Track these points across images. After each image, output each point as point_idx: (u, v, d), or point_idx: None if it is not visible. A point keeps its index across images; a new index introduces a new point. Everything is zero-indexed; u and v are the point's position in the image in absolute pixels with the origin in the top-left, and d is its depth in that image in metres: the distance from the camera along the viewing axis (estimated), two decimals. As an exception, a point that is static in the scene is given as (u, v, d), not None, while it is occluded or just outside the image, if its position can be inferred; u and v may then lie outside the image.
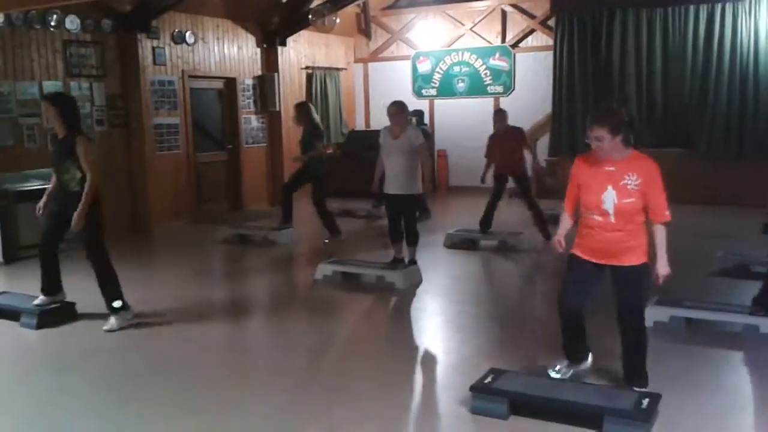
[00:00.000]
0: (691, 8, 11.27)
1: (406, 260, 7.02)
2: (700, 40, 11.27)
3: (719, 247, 7.35)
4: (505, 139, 8.40)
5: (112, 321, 5.55)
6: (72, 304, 5.87)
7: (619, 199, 3.79)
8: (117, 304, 5.60)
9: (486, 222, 8.50)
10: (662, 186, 3.81)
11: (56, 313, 5.72)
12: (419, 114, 13.14)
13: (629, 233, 3.83)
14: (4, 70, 8.26)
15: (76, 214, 5.35)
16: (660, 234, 3.86)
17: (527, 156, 8.85)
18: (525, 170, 8.55)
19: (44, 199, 5.78)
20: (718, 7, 11.07)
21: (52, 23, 8.70)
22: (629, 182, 3.78)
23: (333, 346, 5.26)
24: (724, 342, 5.01)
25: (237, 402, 4.16)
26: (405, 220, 6.93)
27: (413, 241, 7.00)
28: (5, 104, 8.27)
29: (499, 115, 8.67)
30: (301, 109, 9.22)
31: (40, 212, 5.80)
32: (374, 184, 7.17)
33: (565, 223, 4.20)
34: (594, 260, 3.95)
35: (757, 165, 10.69)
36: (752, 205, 9.73)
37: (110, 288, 5.61)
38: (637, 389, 3.88)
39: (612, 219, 3.82)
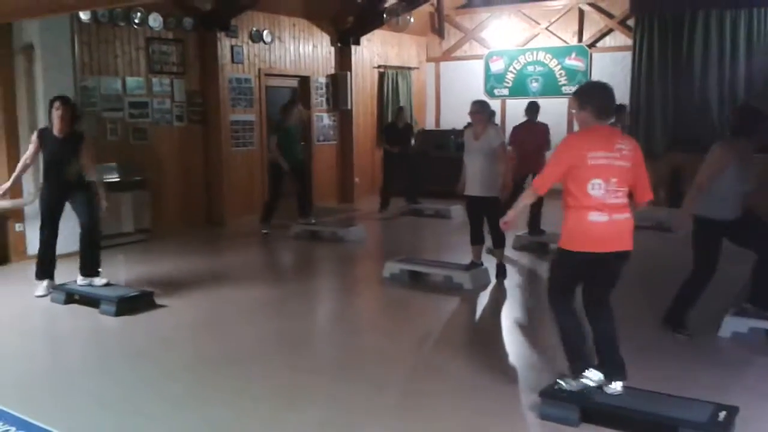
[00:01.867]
0: (778, 8, 10.83)
1: (496, 263, 6.89)
2: (787, 40, 10.82)
3: None
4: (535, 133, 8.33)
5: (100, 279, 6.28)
6: (150, 293, 6.07)
7: None
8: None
9: (533, 224, 8.35)
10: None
11: (134, 301, 5.92)
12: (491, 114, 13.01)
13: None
14: (89, 65, 8.59)
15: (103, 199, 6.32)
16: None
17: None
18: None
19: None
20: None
21: (136, 21, 9.01)
22: None
23: (399, 346, 5.27)
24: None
25: (301, 395, 4.21)
26: (489, 222, 6.72)
27: (501, 243, 6.83)
28: (90, 98, 8.60)
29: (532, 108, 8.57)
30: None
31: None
32: (460, 185, 6.93)
33: None
34: None
35: None
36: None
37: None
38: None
39: None
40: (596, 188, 3.67)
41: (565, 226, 3.80)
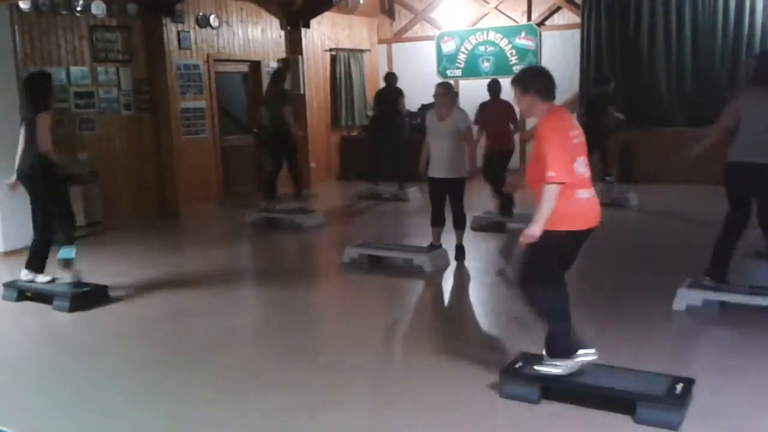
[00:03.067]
0: (723, -17, 11.04)
1: (456, 243, 6.93)
2: (731, 14, 11.06)
3: (750, 229, 7.22)
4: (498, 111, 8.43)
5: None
6: (104, 287, 5.95)
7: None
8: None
9: (508, 205, 8.41)
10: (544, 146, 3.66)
11: (89, 297, 5.79)
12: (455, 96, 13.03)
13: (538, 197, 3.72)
14: (31, 56, 8.32)
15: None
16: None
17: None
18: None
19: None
20: (750, -18, 10.83)
21: (78, 8, 8.74)
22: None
23: (357, 330, 5.27)
24: (758, 325, 4.93)
25: (262, 382, 4.19)
26: (453, 203, 6.80)
27: (462, 225, 6.92)
28: (34, 90, 8.32)
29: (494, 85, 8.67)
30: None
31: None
32: (420, 167, 7.02)
33: None
34: None
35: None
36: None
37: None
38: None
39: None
40: (581, 165, 3.72)
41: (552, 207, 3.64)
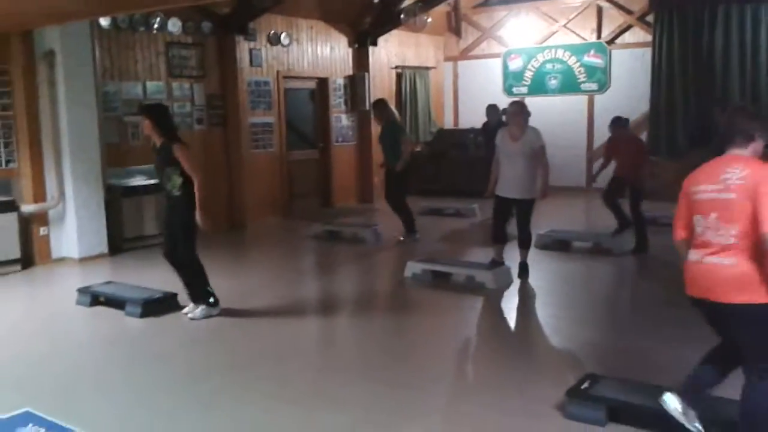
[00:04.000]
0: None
1: (519, 261, 6.85)
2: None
3: None
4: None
5: (198, 310, 5.75)
6: (174, 295, 6.10)
7: None
8: (211, 299, 5.79)
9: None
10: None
11: (160, 303, 5.96)
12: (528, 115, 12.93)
13: None
14: (110, 71, 8.67)
15: (200, 217, 5.56)
16: None
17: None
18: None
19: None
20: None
21: (155, 26, 9.07)
22: None
23: (421, 346, 5.26)
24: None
25: (328, 394, 4.22)
26: (521, 223, 6.71)
27: (528, 244, 6.85)
28: (111, 103, 8.67)
29: None
30: (381, 105, 9.07)
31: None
32: (490, 187, 6.86)
33: None
34: None
35: None
36: None
37: (201, 281, 5.79)
38: None
39: None
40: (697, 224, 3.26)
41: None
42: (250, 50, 10.35)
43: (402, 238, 8.86)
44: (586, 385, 3.90)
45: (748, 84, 11.23)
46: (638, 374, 4.25)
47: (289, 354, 5.03)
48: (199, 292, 5.80)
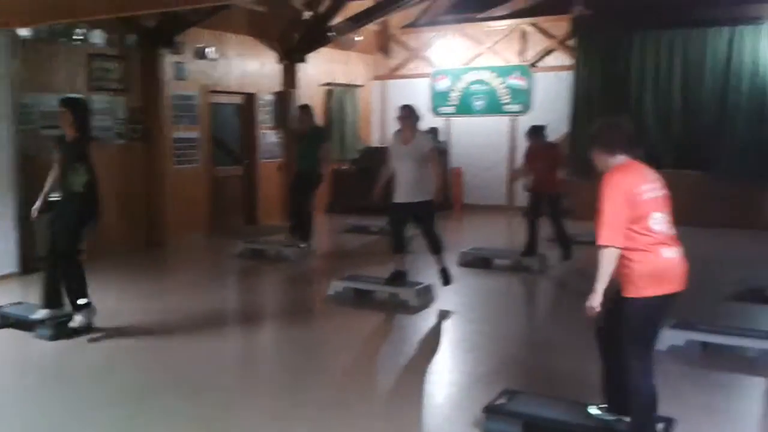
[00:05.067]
0: (711, 30, 11.26)
1: (438, 268, 6.79)
2: (720, 61, 11.24)
3: (736, 271, 7.28)
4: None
5: (79, 318, 5.64)
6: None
7: None
8: (82, 301, 5.68)
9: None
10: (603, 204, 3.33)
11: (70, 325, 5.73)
12: (434, 131, 13.13)
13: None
14: (29, 82, 8.37)
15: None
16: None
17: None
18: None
19: (39, 203, 5.92)
20: (738, 30, 11.06)
21: (78, 37, 8.81)
22: None
23: (341, 365, 5.25)
24: (739, 367, 4.95)
25: (242, 417, 4.16)
26: (425, 227, 6.69)
27: (439, 248, 6.77)
28: (28, 116, 8.37)
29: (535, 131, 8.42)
30: (309, 109, 9.35)
31: (35, 216, 5.96)
32: (377, 192, 6.90)
33: None
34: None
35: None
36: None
37: (78, 287, 5.68)
38: None
39: None
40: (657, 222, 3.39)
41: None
42: (176, 63, 10.19)
43: (302, 245, 8.93)
44: (502, 400, 3.97)
45: (661, 106, 11.73)
46: (555, 390, 4.36)
47: (205, 377, 4.92)
48: (76, 298, 5.67)
